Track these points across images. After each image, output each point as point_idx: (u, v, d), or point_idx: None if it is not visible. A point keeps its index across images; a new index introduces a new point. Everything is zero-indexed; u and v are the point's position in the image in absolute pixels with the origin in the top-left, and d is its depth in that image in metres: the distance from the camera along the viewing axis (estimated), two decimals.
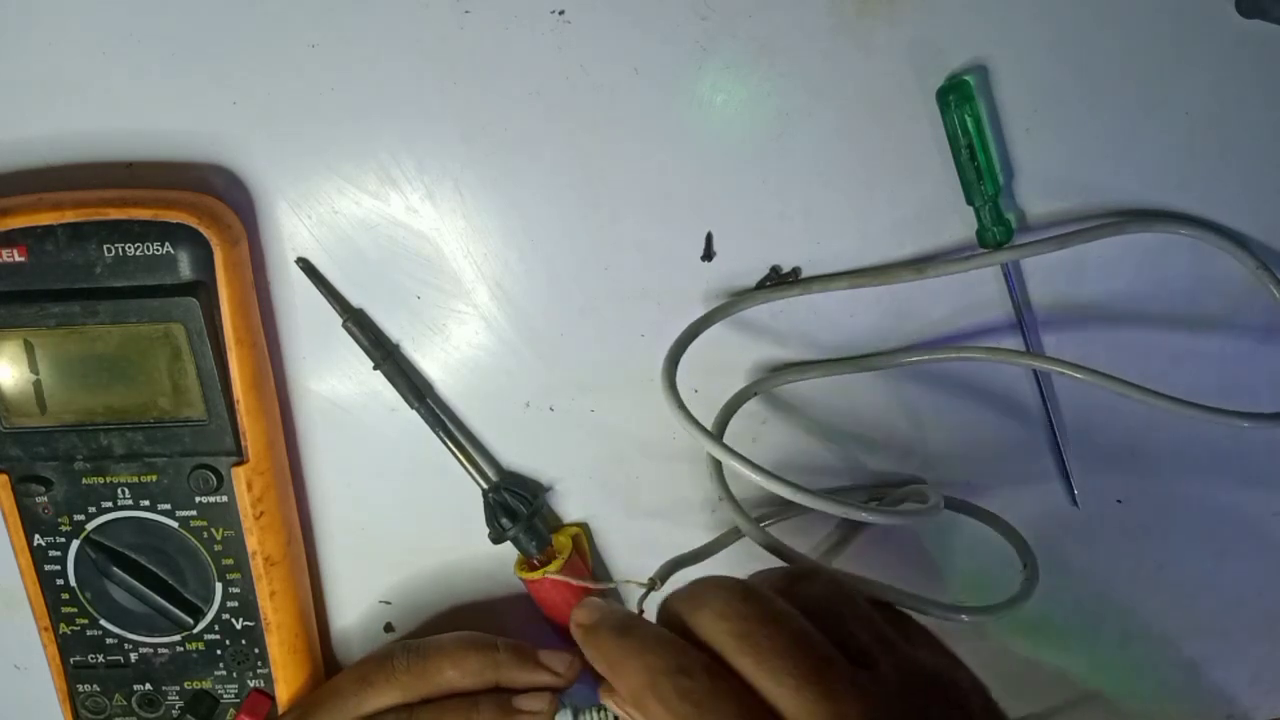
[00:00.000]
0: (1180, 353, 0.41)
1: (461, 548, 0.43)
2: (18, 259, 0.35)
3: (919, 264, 0.39)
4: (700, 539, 0.44)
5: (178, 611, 0.40)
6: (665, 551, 0.44)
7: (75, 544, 0.39)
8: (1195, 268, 0.40)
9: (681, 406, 0.37)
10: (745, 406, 0.41)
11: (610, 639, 0.32)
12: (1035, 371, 0.41)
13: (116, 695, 0.41)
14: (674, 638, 0.31)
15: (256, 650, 0.41)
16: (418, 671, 0.39)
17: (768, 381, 0.41)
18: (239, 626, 0.40)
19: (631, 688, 0.31)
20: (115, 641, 0.41)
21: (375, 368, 0.39)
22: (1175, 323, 0.41)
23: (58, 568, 0.39)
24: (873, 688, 0.29)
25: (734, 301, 0.39)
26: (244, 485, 0.38)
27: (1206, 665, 0.48)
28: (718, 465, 0.39)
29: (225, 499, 0.38)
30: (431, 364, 0.40)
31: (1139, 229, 0.38)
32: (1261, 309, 0.40)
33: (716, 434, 0.39)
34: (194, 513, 0.39)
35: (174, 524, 0.39)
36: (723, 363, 0.40)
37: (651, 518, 0.44)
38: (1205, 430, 0.43)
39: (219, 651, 0.41)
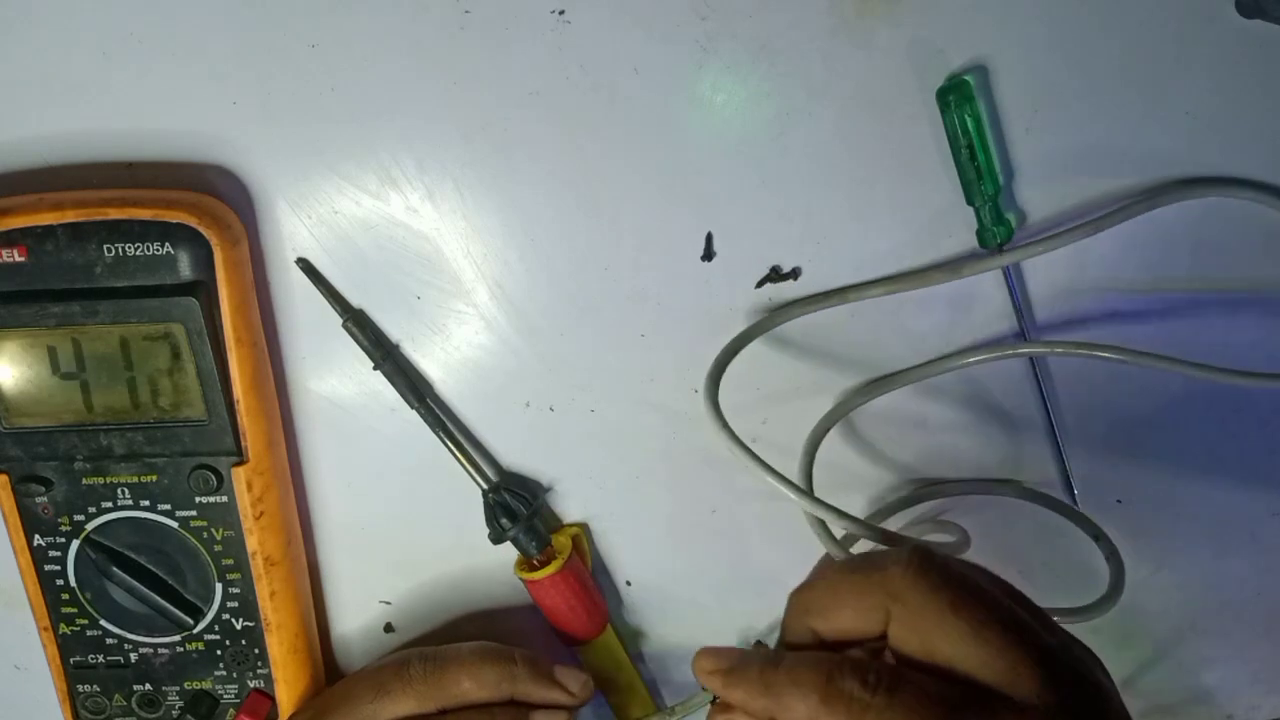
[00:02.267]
0: (1181, 349, 0.41)
1: (461, 548, 0.43)
2: (18, 259, 0.35)
3: (954, 265, 0.38)
4: (699, 539, 0.44)
5: (178, 611, 0.40)
6: (664, 551, 0.45)
7: (75, 544, 0.39)
8: (1195, 267, 0.40)
9: (727, 428, 0.36)
10: (743, 407, 0.41)
11: (765, 671, 0.31)
12: (1036, 373, 0.41)
13: (116, 695, 0.41)
14: (818, 652, 0.31)
15: (256, 650, 0.41)
16: (434, 681, 0.39)
17: (828, 420, 0.41)
18: (239, 627, 0.40)
19: (809, 704, 0.30)
20: (115, 641, 0.41)
21: (375, 368, 0.39)
22: (1177, 319, 0.41)
23: (58, 568, 0.39)
24: (1056, 645, 0.29)
25: (772, 316, 0.39)
26: (244, 485, 0.38)
27: (1206, 665, 0.48)
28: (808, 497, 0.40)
29: (225, 499, 0.38)
30: (431, 364, 0.40)
31: (1144, 209, 0.38)
32: (1262, 309, 0.40)
33: (805, 485, 0.40)
34: (194, 513, 0.39)
35: (174, 524, 0.39)
36: (732, 371, 0.40)
37: (651, 518, 0.44)
38: (1205, 430, 0.43)
39: (219, 652, 0.41)
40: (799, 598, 0.33)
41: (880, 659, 0.31)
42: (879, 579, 0.30)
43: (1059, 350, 0.40)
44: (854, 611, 0.31)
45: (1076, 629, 0.33)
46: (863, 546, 0.44)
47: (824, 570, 0.33)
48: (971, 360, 0.40)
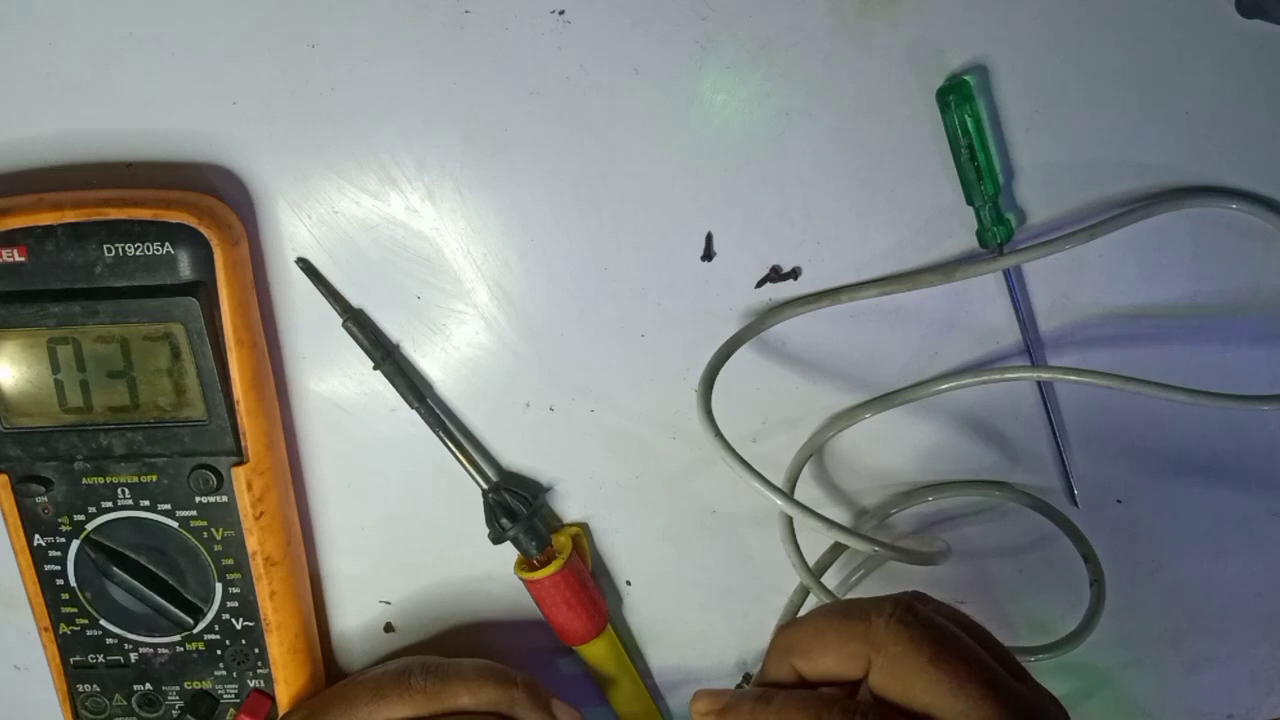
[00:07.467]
0: (1180, 350, 0.41)
1: (461, 548, 0.43)
2: (18, 259, 0.35)
3: (947, 268, 0.38)
4: (699, 540, 0.44)
5: (178, 611, 0.40)
6: (664, 551, 0.44)
7: (75, 544, 0.39)
8: (1196, 264, 0.40)
9: (721, 437, 0.37)
10: (744, 408, 0.41)
11: (757, 710, 0.32)
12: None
13: (116, 695, 0.41)
14: (807, 692, 0.32)
15: (256, 650, 0.41)
16: (434, 693, 0.39)
17: (824, 432, 0.41)
18: (239, 626, 0.40)
19: None
20: (115, 641, 0.41)
21: (375, 368, 0.39)
22: (1176, 320, 0.41)
23: (58, 568, 0.39)
24: (1030, 697, 0.30)
25: (762, 319, 0.39)
26: (244, 485, 0.38)
27: (1206, 665, 0.48)
28: (789, 522, 0.41)
29: (225, 499, 0.38)
30: (431, 364, 0.40)
31: (1140, 217, 0.38)
32: (1262, 306, 0.40)
33: (787, 490, 0.40)
34: (194, 513, 0.39)
35: (174, 524, 0.39)
36: (734, 370, 0.40)
37: (651, 518, 0.44)
38: (1205, 430, 0.43)
39: (219, 651, 0.41)
40: (783, 637, 0.34)
41: (855, 695, 0.32)
42: (863, 628, 0.31)
43: (1068, 377, 0.40)
44: (836, 656, 0.32)
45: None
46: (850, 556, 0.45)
47: (810, 613, 0.34)
48: (972, 381, 0.40)
